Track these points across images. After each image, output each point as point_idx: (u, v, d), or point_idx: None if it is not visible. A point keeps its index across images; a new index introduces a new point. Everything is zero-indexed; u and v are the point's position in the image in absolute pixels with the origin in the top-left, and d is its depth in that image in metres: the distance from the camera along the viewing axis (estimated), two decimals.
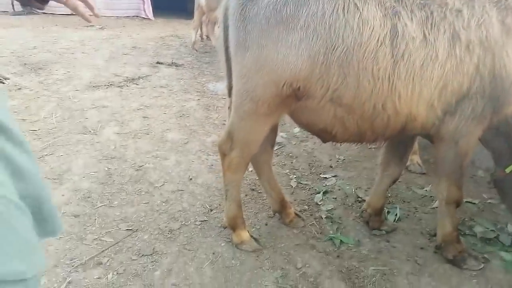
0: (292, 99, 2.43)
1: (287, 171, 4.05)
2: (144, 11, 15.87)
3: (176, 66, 8.33)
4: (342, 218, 3.27)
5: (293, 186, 3.76)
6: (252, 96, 2.47)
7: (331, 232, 3.08)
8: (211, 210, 3.24)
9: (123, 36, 11.65)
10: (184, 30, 12.85)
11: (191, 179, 3.71)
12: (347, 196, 3.60)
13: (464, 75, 2.30)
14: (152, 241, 2.87)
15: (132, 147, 4.31)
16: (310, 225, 3.15)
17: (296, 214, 3.18)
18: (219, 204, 3.35)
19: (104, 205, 3.27)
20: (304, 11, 2.25)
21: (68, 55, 8.52)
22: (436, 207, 3.26)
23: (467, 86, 2.32)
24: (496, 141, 2.70)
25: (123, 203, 3.31)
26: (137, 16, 15.98)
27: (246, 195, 3.53)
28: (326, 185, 3.80)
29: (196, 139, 4.66)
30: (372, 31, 2.23)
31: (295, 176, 3.95)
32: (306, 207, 3.42)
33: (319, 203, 3.46)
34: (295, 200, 3.50)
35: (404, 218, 3.31)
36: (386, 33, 2.23)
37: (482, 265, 2.72)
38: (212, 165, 4.03)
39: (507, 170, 2.58)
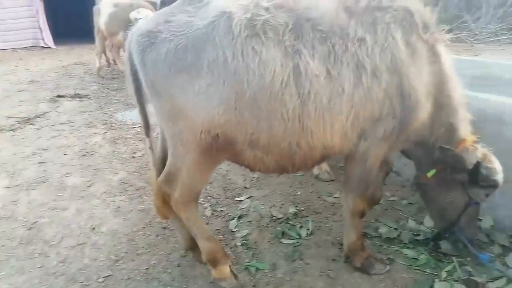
0: (218, 146, 2.35)
1: (202, 199, 3.91)
2: (43, 39, 14.72)
3: (80, 97, 7.78)
4: (257, 242, 3.22)
5: (208, 216, 3.64)
6: (182, 141, 2.39)
7: (246, 260, 3.01)
8: (117, 261, 2.98)
9: (19, 70, 10.67)
10: (89, 56, 12.15)
11: (93, 228, 3.40)
12: (261, 217, 3.57)
13: (374, 102, 2.36)
14: None
15: (24, 201, 3.85)
16: None
17: None
18: (127, 252, 3.10)
19: None
20: (205, 57, 2.18)
21: None
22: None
23: (378, 111, 2.40)
24: (415, 151, 2.84)
25: (13, 271, 2.90)
26: (35, 46, 14.74)
27: (157, 235, 3.33)
28: (241, 208, 3.74)
29: (101, 179, 4.32)
30: (274, 73, 2.19)
31: (209, 204, 3.83)
32: (221, 236, 3.32)
33: (234, 230, 3.39)
34: (210, 230, 3.37)
35: (316, 230, 3.37)
36: (289, 73, 2.21)
37: (388, 267, 2.85)
38: (119, 207, 3.75)
39: (428, 175, 2.72)
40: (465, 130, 2.67)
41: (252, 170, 2.63)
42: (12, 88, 8.58)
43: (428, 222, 3.33)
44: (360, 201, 2.73)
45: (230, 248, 3.15)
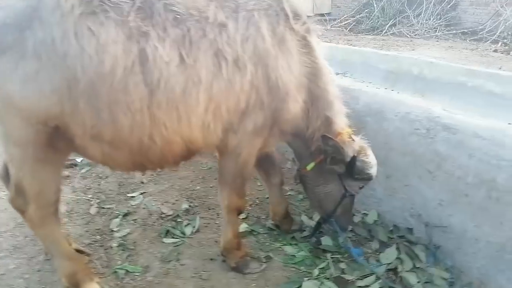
0: (59, 139, 2.06)
1: (90, 196, 3.64)
2: None
3: None
4: (136, 242, 3.02)
5: (92, 214, 3.38)
6: (14, 141, 2.07)
7: (119, 262, 2.80)
8: None
9: None
10: None
11: None
12: (150, 214, 3.38)
13: (238, 94, 2.19)
14: None
15: None
16: (96, 259, 2.82)
17: (78, 251, 2.81)
18: None
19: None
20: (30, 37, 1.86)
21: None
22: None
23: (244, 103, 2.23)
24: (295, 143, 2.74)
25: None
26: None
27: (26, 236, 3.03)
28: (131, 205, 3.51)
29: None
30: (115, 58, 1.93)
31: (98, 200, 3.57)
32: (99, 237, 3.08)
33: (115, 230, 3.16)
34: (87, 232, 3.13)
35: (203, 227, 3.22)
36: (134, 59, 1.96)
37: (263, 266, 2.77)
38: None
39: (308, 168, 2.65)
40: (341, 123, 2.61)
41: (107, 166, 2.42)
42: None
43: (318, 217, 3.30)
44: (236, 198, 2.60)
45: (105, 249, 2.93)
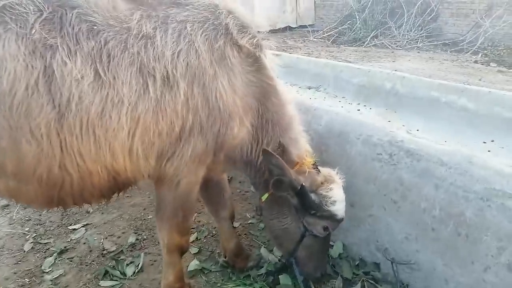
0: None
1: (27, 229, 3.27)
2: None
3: None
4: (69, 286, 2.65)
5: (26, 250, 3.01)
6: None
7: None
8: None
9: None
10: None
11: None
12: (90, 251, 3.01)
13: (170, 116, 1.90)
14: None
15: None
16: None
17: None
18: None
19: None
20: None
21: None
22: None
23: (179, 127, 1.94)
24: (246, 171, 2.41)
25: None
26: None
27: None
28: (70, 240, 3.15)
29: None
30: (14, 75, 1.65)
31: (34, 234, 3.20)
32: (27, 280, 2.71)
33: (46, 271, 2.79)
34: (15, 274, 2.76)
35: (148, 266, 2.87)
36: (38, 76, 1.68)
37: None
38: None
39: (263, 198, 2.31)
40: (299, 151, 2.31)
41: (18, 202, 2.08)
42: None
43: (278, 251, 2.97)
44: (177, 235, 2.26)
45: None
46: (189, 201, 2.25)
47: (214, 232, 3.30)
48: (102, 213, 3.52)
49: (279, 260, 2.80)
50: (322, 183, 2.21)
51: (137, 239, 3.15)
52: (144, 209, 3.62)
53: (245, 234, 3.22)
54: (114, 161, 1.90)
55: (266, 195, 2.33)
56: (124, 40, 1.84)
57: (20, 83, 1.67)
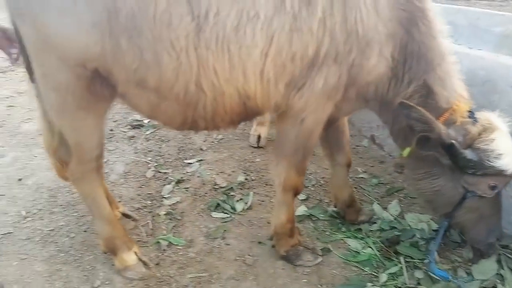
0: (100, 84, 1.86)
1: (150, 158, 3.54)
2: None
3: None
4: (184, 213, 2.81)
5: (148, 177, 3.27)
6: (53, 85, 1.90)
7: (164, 232, 2.62)
8: (26, 218, 2.73)
9: None
10: None
11: (20, 179, 3.16)
12: (203, 184, 3.14)
13: (305, 36, 1.74)
14: None
15: None
16: (142, 225, 2.69)
17: (125, 215, 2.70)
18: (41, 209, 2.83)
19: None
20: None
21: None
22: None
23: (313, 50, 1.78)
24: (382, 116, 2.15)
25: None
26: None
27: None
28: (186, 172, 3.32)
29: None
30: None
31: (155, 164, 3.45)
32: (149, 202, 2.94)
33: (166, 196, 2.99)
34: (139, 195, 3.02)
35: (256, 205, 2.88)
36: None
37: (319, 259, 2.33)
38: None
39: (404, 154, 2.02)
40: (450, 95, 1.91)
41: (157, 120, 2.14)
42: None
43: (394, 209, 2.72)
44: (295, 174, 2.15)
45: (153, 216, 2.77)
46: (311, 140, 2.09)
47: (322, 181, 3.17)
48: (214, 152, 3.63)
49: (396, 219, 2.56)
50: (479, 134, 1.81)
51: (246, 179, 3.18)
52: (252, 152, 3.63)
53: (355, 188, 3.01)
54: (246, 84, 1.82)
55: (407, 150, 1.97)
56: None
57: None
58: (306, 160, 2.17)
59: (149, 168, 3.39)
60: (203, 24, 1.67)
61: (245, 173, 3.27)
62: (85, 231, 2.63)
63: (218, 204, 2.87)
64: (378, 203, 2.79)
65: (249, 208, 2.84)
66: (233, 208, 2.83)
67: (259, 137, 3.62)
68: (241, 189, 3.07)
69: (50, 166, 3.33)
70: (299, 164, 2.14)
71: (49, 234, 2.59)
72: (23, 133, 3.96)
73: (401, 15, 1.81)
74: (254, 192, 2.99)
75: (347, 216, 2.65)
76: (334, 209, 2.73)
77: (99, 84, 1.86)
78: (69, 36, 1.71)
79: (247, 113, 2.02)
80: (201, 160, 3.49)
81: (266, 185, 3.13)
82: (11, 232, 2.60)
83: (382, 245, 2.41)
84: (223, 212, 2.81)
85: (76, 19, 1.68)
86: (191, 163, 3.45)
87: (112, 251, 2.28)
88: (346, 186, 2.61)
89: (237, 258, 2.39)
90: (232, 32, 1.69)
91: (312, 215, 2.72)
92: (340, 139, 2.48)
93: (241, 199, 2.92)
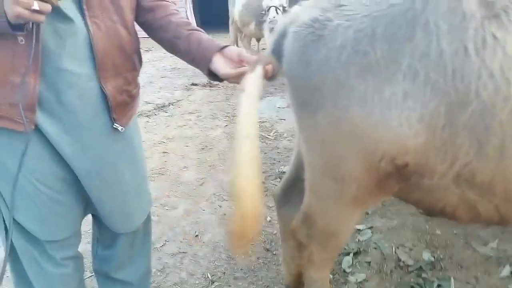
0: (396, 179, 1.63)
1: None
2: None
3: (211, 86, 8.03)
4: None
5: None
6: (334, 175, 1.72)
7: None
8: (213, 283, 2.72)
9: (166, 57, 11.68)
10: None
11: (197, 235, 3.24)
12: (384, 259, 2.87)
13: None
14: None
15: None
16: None
17: None
18: (224, 272, 2.82)
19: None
20: (407, 50, 1.44)
21: None
22: (505, 276, 2.45)
23: None
24: None
25: None
26: None
27: (258, 257, 2.96)
28: (359, 240, 3.09)
29: (213, 178, 4.20)
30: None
31: None
32: (331, 276, 2.75)
33: (347, 270, 2.78)
34: None
35: None
36: None
37: None
38: (224, 214, 3.53)
39: None
40: None
41: (449, 217, 1.76)
42: (157, 74, 9.44)
43: None
44: None
45: None
46: None
47: None
48: (382, 218, 3.36)
49: None
50: None
51: (433, 256, 2.83)
52: (427, 220, 3.28)
53: None
54: None
55: None
56: None
57: None
58: None
59: None
60: None
61: (429, 249, 2.92)
62: None
63: None
64: None
65: None
66: None
67: None
68: (431, 270, 2.72)
69: (220, 222, 3.39)
70: None
71: None
72: (184, 182, 4.15)
73: None
74: (452, 277, 2.62)
75: None
76: None
77: (395, 179, 1.61)
78: (386, 130, 1.50)
79: None
80: (371, 227, 3.24)
81: (461, 267, 2.74)
82: None
83: None
84: None
85: (401, 114, 1.47)
86: (361, 229, 3.22)
87: None
88: None
89: None
90: None
91: None
92: None
93: (439, 285, 2.57)
